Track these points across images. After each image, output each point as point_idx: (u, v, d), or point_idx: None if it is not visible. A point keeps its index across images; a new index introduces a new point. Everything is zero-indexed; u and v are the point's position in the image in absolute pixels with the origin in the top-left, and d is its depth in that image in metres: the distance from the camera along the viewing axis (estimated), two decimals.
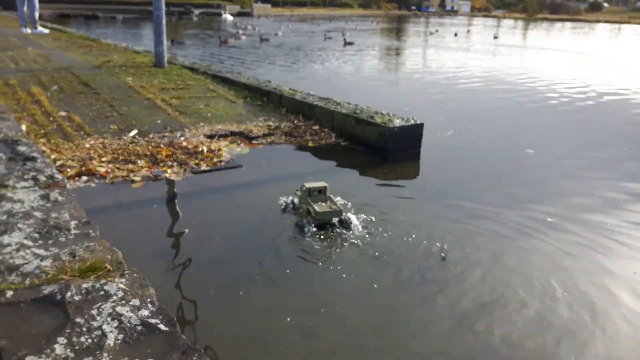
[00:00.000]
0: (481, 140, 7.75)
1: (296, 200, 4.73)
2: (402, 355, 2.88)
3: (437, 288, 3.49)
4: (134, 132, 6.62)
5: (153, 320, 2.16)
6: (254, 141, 6.68)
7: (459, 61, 18.56)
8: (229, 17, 50.04)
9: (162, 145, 6.12)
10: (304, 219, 4.39)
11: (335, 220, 4.39)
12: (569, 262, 3.94)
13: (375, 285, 3.52)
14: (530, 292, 3.48)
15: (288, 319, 3.11)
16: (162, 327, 2.13)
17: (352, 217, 4.44)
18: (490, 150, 7.21)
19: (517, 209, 4.93)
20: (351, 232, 4.27)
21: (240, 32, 29.21)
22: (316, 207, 4.39)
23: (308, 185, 4.59)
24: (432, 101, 10.79)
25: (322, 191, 4.60)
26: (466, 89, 12.52)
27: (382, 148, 6.56)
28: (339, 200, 4.73)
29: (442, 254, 3.93)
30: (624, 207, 5.12)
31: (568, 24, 62.43)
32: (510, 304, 3.34)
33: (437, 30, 36.51)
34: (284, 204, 4.76)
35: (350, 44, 24.01)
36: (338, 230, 4.27)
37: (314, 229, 4.28)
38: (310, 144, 6.81)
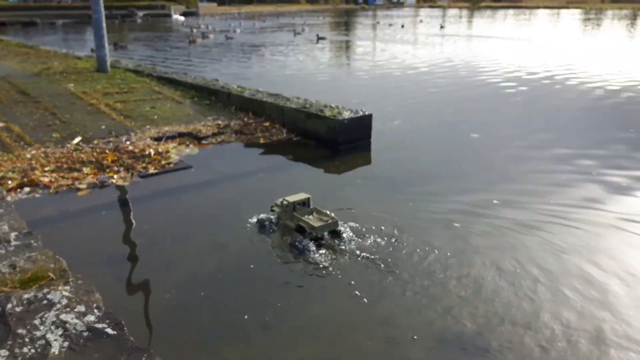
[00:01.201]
0: (428, 127, 7.94)
1: (272, 216, 4.36)
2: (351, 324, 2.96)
3: (386, 269, 3.58)
4: (77, 139, 6.43)
5: (100, 325, 2.13)
6: (203, 141, 6.61)
7: (407, 52, 18.88)
8: (180, 18, 49.08)
9: (107, 151, 5.98)
10: (300, 238, 3.98)
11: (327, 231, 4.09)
12: (510, 241, 4.12)
13: (330, 268, 3.57)
14: (474, 267, 3.62)
15: (246, 317, 3.12)
16: (109, 331, 2.10)
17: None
18: (436, 136, 7.39)
19: (463, 193, 5.08)
20: (341, 241, 4.00)
21: (199, 31, 29.04)
22: (312, 222, 4.06)
23: (291, 199, 4.25)
24: (381, 92, 10.95)
25: (305, 203, 4.31)
26: (413, 78, 12.77)
27: (333, 141, 6.63)
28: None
29: (393, 240, 4.03)
30: (564, 187, 5.36)
31: (510, 11, 64.51)
32: (455, 280, 3.47)
33: (390, 25, 37.00)
34: (263, 223, 4.29)
35: (323, 38, 24.75)
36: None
37: (311, 245, 3.89)
38: (262, 140, 6.80)
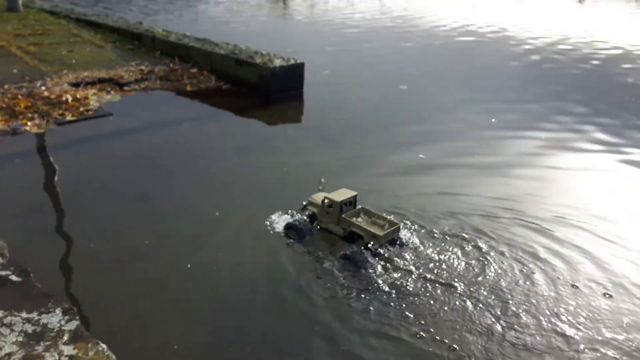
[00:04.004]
0: (359, 78, 7.91)
1: (304, 217, 3.47)
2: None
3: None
4: None
5: (3, 273, 2.03)
6: (125, 87, 6.27)
7: (344, 5, 18.61)
8: None
9: (20, 97, 5.57)
10: (356, 249, 3.11)
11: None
12: (430, 189, 4.28)
13: (260, 215, 3.58)
14: (406, 216, 3.75)
15: (188, 265, 3.07)
16: (13, 278, 2.01)
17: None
18: (367, 87, 7.39)
19: (390, 146, 5.15)
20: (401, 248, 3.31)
21: None
22: (375, 230, 3.20)
23: (337, 198, 3.34)
24: (314, 42, 10.78)
25: (352, 202, 3.43)
26: (348, 29, 12.63)
27: (265, 89, 6.48)
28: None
29: (320, 187, 4.08)
30: (490, 135, 5.57)
31: None
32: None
33: None
34: (297, 228, 3.33)
35: None
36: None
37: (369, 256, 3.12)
38: (189, 88, 6.55)
